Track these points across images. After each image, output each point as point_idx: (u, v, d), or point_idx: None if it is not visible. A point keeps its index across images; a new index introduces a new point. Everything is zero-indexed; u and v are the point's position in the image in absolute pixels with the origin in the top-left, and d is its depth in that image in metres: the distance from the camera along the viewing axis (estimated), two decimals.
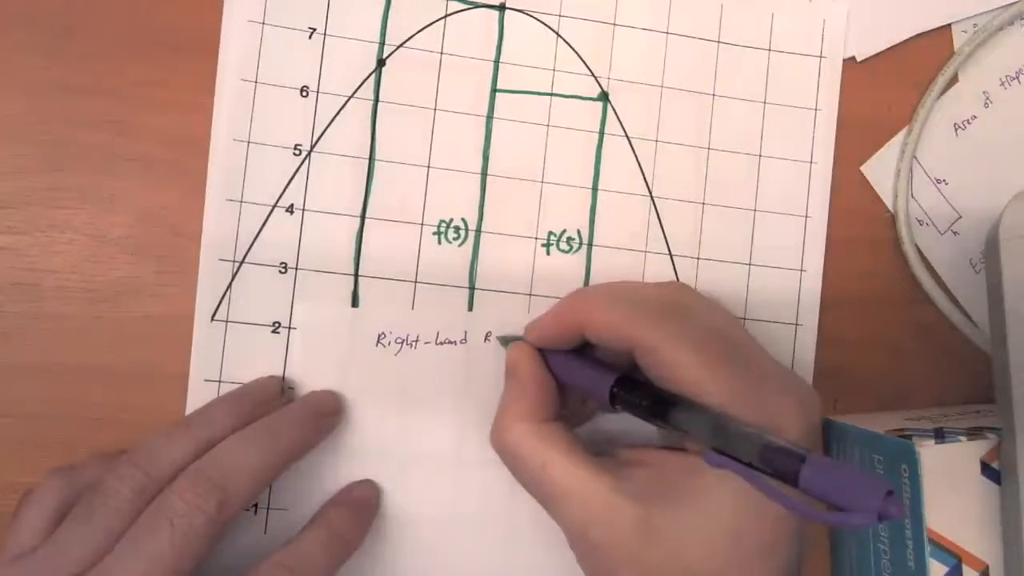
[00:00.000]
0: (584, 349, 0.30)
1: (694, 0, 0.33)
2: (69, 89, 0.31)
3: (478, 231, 0.32)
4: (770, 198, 0.33)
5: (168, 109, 0.31)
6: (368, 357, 0.31)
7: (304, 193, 0.31)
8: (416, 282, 0.32)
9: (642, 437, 0.32)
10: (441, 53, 0.32)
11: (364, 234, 0.32)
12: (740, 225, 0.33)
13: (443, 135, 0.32)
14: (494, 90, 0.32)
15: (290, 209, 0.31)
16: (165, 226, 0.31)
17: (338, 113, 0.32)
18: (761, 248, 0.33)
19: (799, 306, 0.33)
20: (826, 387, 0.32)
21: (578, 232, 0.33)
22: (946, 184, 0.34)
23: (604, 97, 0.33)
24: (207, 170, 0.31)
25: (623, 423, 0.32)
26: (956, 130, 0.34)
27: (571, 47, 0.33)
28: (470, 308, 0.32)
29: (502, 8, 0.32)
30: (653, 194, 0.33)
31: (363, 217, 0.32)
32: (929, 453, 0.25)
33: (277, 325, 0.31)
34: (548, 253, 0.33)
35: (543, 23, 0.33)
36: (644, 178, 0.33)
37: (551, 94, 0.33)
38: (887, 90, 0.34)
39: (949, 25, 0.34)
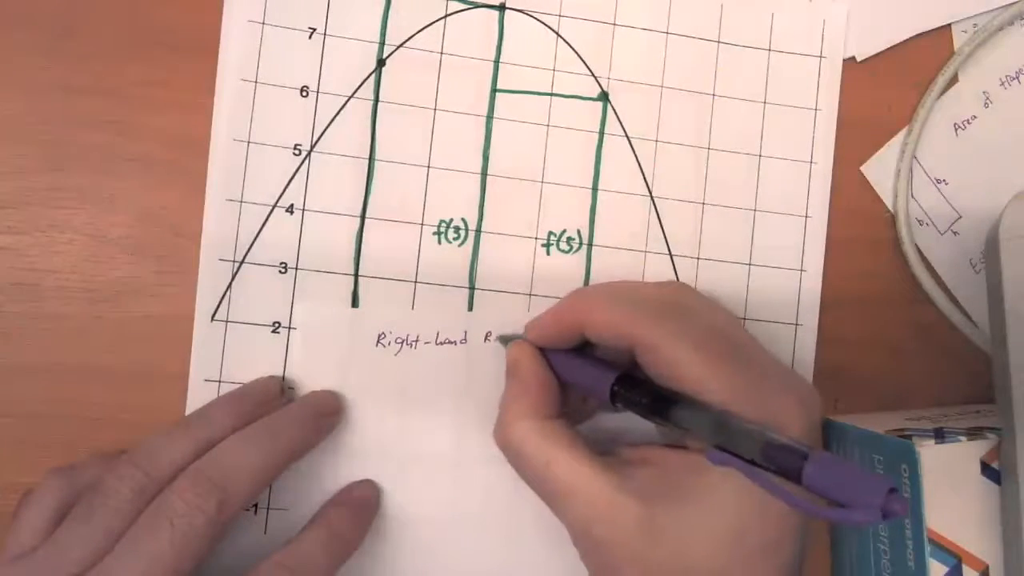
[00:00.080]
0: (584, 348, 0.30)
1: (694, 0, 0.33)
2: (69, 89, 0.31)
3: (478, 231, 0.32)
4: (770, 198, 0.33)
5: (168, 109, 0.31)
6: (368, 357, 0.31)
7: (304, 193, 0.31)
8: (416, 282, 0.32)
9: (643, 436, 0.32)
10: (441, 53, 0.32)
11: (364, 234, 0.32)
12: (740, 225, 0.33)
13: (443, 135, 0.32)
14: (494, 90, 0.32)
15: (290, 209, 0.31)
16: (165, 226, 0.31)
17: (338, 113, 0.32)
18: (761, 248, 0.33)
19: (799, 306, 0.33)
20: (826, 387, 0.32)
21: (578, 232, 0.33)
22: (946, 184, 0.34)
23: (604, 97, 0.33)
24: (207, 170, 0.31)
25: (624, 421, 0.32)
26: (956, 130, 0.34)
27: (571, 47, 0.33)
28: (470, 308, 0.32)
29: (502, 8, 0.32)
30: (653, 194, 0.33)
31: (363, 217, 0.32)
32: (929, 453, 0.25)
33: (277, 325, 0.31)
34: (548, 253, 0.33)
35: (543, 23, 0.33)
36: (644, 178, 0.33)
37: (551, 94, 0.33)
38: (887, 90, 0.34)
39: (949, 25, 0.34)
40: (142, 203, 0.31)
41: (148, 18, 0.31)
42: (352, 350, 0.31)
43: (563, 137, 0.33)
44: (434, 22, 0.32)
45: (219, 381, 0.31)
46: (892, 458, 0.27)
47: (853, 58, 0.34)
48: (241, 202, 0.31)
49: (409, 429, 0.32)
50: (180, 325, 0.31)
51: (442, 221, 0.32)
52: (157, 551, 0.24)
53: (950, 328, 0.34)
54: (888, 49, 0.34)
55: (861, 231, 0.34)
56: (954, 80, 0.34)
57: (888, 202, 0.34)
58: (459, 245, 0.32)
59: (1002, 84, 0.34)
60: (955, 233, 0.34)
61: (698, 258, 0.33)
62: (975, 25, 0.34)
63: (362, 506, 0.31)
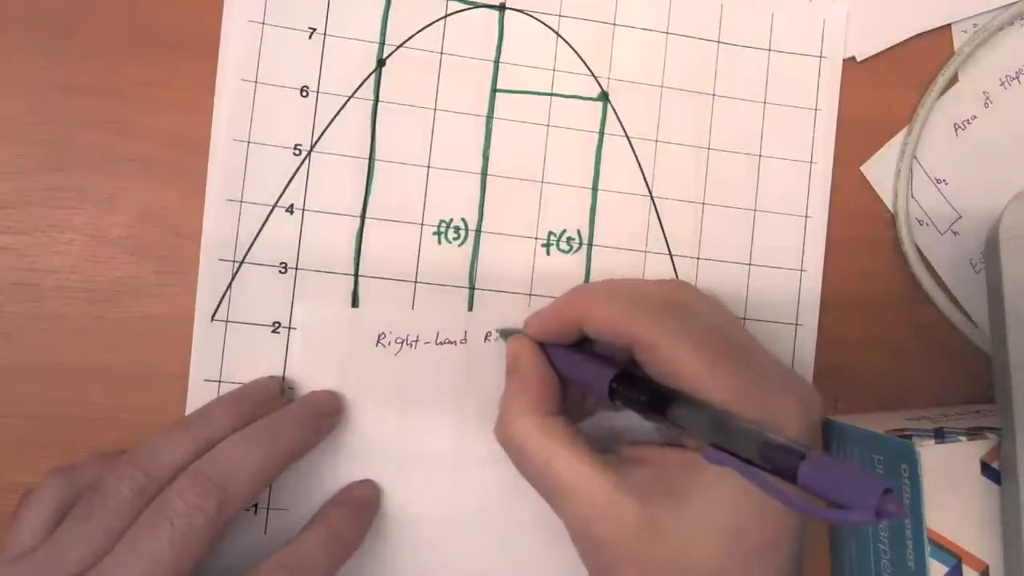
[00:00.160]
0: (584, 344, 0.30)
1: (694, 0, 0.33)
2: (69, 89, 0.31)
3: (478, 231, 0.32)
4: (770, 198, 0.33)
5: (168, 109, 0.31)
6: (368, 357, 0.31)
7: (304, 193, 0.31)
8: (416, 282, 0.32)
9: (643, 434, 0.32)
10: (441, 53, 0.32)
11: (364, 234, 0.32)
12: (740, 225, 0.33)
13: (443, 135, 0.32)
14: (494, 90, 0.32)
15: (290, 209, 0.31)
16: (165, 226, 0.31)
17: (338, 113, 0.32)
18: (761, 248, 0.33)
19: (799, 306, 0.33)
20: (826, 387, 0.31)
21: (578, 232, 0.33)
22: (946, 184, 0.34)
23: (604, 97, 0.33)
24: (207, 170, 0.31)
25: (623, 420, 0.32)
26: (956, 130, 0.34)
27: (571, 47, 0.33)
28: (470, 308, 0.32)
29: (502, 8, 0.32)
30: (653, 194, 0.33)
31: (363, 217, 0.32)
32: (929, 453, 0.25)
33: (277, 325, 0.31)
34: (548, 253, 0.33)
35: (543, 23, 0.33)
36: (644, 178, 0.33)
37: (551, 94, 0.33)
38: (887, 90, 0.34)
39: (949, 25, 0.34)
40: (142, 203, 0.31)
41: (148, 18, 0.31)
42: (352, 350, 0.31)
43: (563, 137, 0.33)
44: (434, 22, 0.32)
45: (219, 381, 0.31)
46: (892, 458, 0.27)
47: (853, 58, 0.34)
48: (241, 202, 0.31)
49: (409, 429, 0.32)
50: (180, 325, 0.31)
51: (442, 221, 0.32)
52: (157, 551, 0.24)
53: (950, 328, 0.34)
54: (888, 49, 0.34)
55: (861, 231, 0.34)
56: (954, 80, 0.34)
57: (888, 202, 0.34)
58: (459, 245, 0.32)
59: (1002, 84, 0.34)
60: (955, 233, 0.34)
61: (698, 258, 0.33)
62: (975, 25, 0.34)
63: (362, 506, 0.31)
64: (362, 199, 0.32)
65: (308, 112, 0.31)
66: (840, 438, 0.30)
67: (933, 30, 0.34)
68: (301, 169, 0.31)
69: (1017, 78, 0.34)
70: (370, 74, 0.32)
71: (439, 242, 0.32)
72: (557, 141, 0.33)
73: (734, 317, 0.32)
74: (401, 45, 0.32)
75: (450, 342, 0.32)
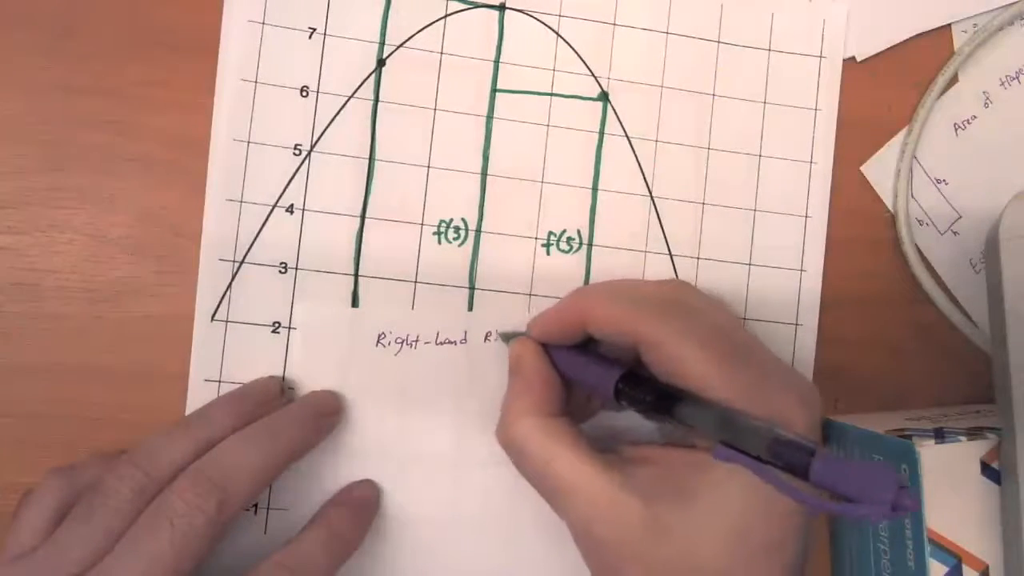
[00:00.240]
0: (587, 345, 0.30)
1: (694, 0, 0.33)
2: (69, 89, 0.31)
3: (478, 231, 0.32)
4: (770, 198, 0.33)
5: (168, 109, 0.31)
6: (368, 357, 0.31)
7: (304, 193, 0.31)
8: (416, 282, 0.32)
9: (644, 434, 0.32)
10: (441, 53, 0.32)
11: (364, 234, 0.32)
12: (740, 225, 0.33)
13: (443, 135, 0.32)
14: (494, 90, 0.32)
15: (290, 209, 0.31)
16: (165, 226, 0.31)
17: (338, 113, 0.32)
18: (761, 248, 0.33)
19: (799, 306, 0.33)
20: (826, 387, 0.31)
21: (578, 232, 0.33)
22: (946, 184, 0.34)
23: (604, 97, 0.33)
24: (207, 170, 0.31)
25: (627, 420, 0.32)
26: (956, 130, 0.34)
27: (571, 47, 0.33)
28: (470, 308, 0.32)
29: (502, 8, 0.32)
30: (653, 194, 0.33)
31: (363, 217, 0.32)
32: (929, 453, 0.25)
33: (277, 325, 0.31)
34: (548, 253, 0.33)
35: (543, 23, 0.33)
36: (644, 178, 0.33)
37: (551, 94, 0.33)
38: (887, 90, 0.34)
39: (949, 25, 0.34)
40: (142, 203, 0.31)
41: (148, 18, 0.31)
42: (352, 350, 0.31)
43: (563, 137, 0.33)
44: (434, 22, 0.32)
45: (219, 381, 0.31)
46: (892, 458, 0.27)
47: (853, 58, 0.34)
48: (241, 202, 0.31)
49: (409, 429, 0.32)
50: (180, 325, 0.31)
51: (442, 221, 0.32)
52: (157, 551, 0.24)
53: (950, 328, 0.34)
54: (888, 49, 0.34)
55: (861, 231, 0.34)
56: (954, 80, 0.34)
57: (888, 202, 0.34)
58: (459, 245, 0.32)
59: (1002, 84, 0.34)
60: (955, 233, 0.34)
61: (698, 258, 0.33)
62: (975, 25, 0.34)
63: (362, 506, 0.31)
64: (362, 199, 0.32)
65: (308, 112, 0.31)
66: (840, 438, 0.30)
67: (933, 30, 0.34)
68: (301, 169, 0.31)
69: (1017, 78, 0.34)
70: (370, 74, 0.32)
71: (439, 242, 0.32)
72: (557, 141, 0.33)
73: (735, 316, 0.32)
74: (401, 45, 0.32)
75: (450, 342, 0.32)
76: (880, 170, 0.34)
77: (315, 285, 0.31)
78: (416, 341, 0.32)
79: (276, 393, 0.30)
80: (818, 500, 0.22)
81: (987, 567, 0.26)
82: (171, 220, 0.31)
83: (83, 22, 0.31)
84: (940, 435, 0.26)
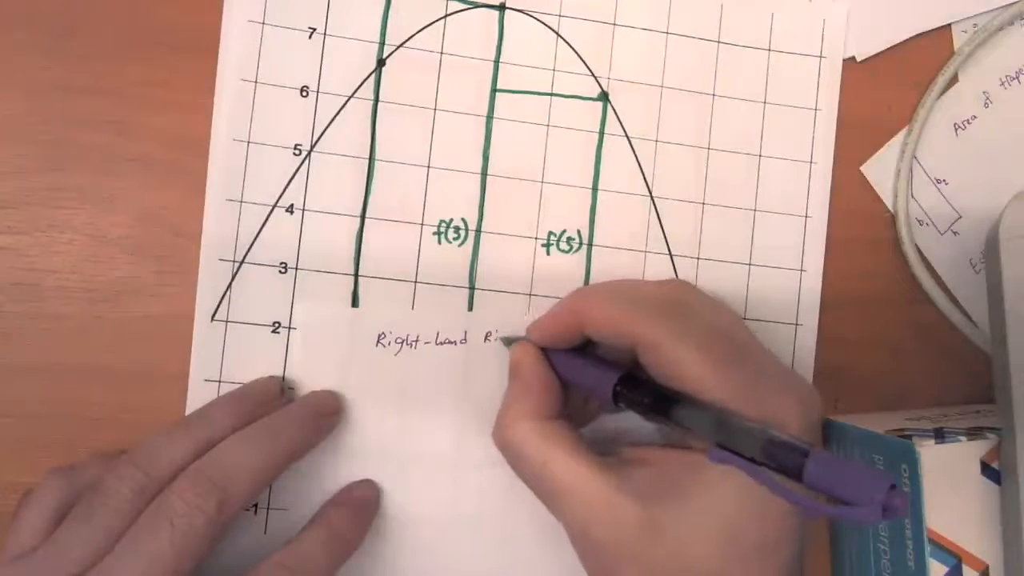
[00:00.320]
0: (587, 348, 0.30)
1: (694, 0, 0.33)
2: (69, 89, 0.31)
3: (478, 231, 0.32)
4: (770, 198, 0.33)
5: (168, 109, 0.31)
6: (368, 357, 0.31)
7: (304, 193, 0.31)
8: (416, 282, 0.32)
9: (644, 436, 0.32)
10: (441, 53, 0.32)
11: (364, 234, 0.32)
12: (740, 225, 0.33)
13: (443, 135, 0.32)
14: (494, 90, 0.32)
15: (290, 209, 0.31)
16: (165, 226, 0.31)
17: (338, 113, 0.32)
18: (761, 248, 0.33)
19: (799, 306, 0.33)
20: (826, 387, 0.31)
21: (578, 232, 0.33)
22: (946, 184, 0.34)
23: (604, 97, 0.33)
24: (207, 170, 0.31)
25: (625, 422, 0.32)
26: (956, 130, 0.34)
27: (571, 47, 0.33)
28: (470, 308, 0.32)
29: (502, 8, 0.32)
30: (653, 194, 0.33)
31: (363, 217, 0.32)
32: (929, 453, 0.25)
33: (277, 325, 0.31)
34: (548, 253, 0.33)
35: (543, 23, 0.33)
36: (644, 178, 0.33)
37: (551, 94, 0.33)
38: (887, 90, 0.34)
39: (949, 25, 0.34)
40: (142, 203, 0.31)
41: (148, 18, 0.31)
42: (352, 350, 0.31)
43: (563, 137, 0.33)
44: (434, 22, 0.32)
45: (219, 381, 0.31)
46: (892, 458, 0.27)
47: (853, 58, 0.34)
48: (241, 202, 0.31)
49: (409, 429, 0.32)
50: (180, 325, 0.31)
51: (442, 221, 0.32)
52: (157, 551, 0.24)
53: (950, 328, 0.34)
54: (888, 49, 0.34)
55: (861, 231, 0.34)
56: (954, 80, 0.34)
57: (888, 202, 0.34)
58: (459, 245, 0.32)
59: (1002, 84, 0.34)
60: (955, 233, 0.34)
61: (698, 258, 0.33)
62: (975, 25, 0.34)
63: (362, 506, 0.31)
64: (362, 199, 0.32)
65: (308, 112, 0.31)
66: (840, 438, 0.30)
67: (933, 30, 0.34)
68: (301, 169, 0.31)
69: (1017, 78, 0.34)
70: (370, 74, 0.32)
71: (439, 242, 0.32)
72: (557, 141, 0.33)
73: (736, 316, 0.32)
74: (401, 45, 0.32)
75: (450, 342, 0.32)
76: (880, 170, 0.34)
77: (315, 285, 0.31)
78: (416, 341, 0.32)
79: (276, 393, 0.30)
80: (812, 502, 0.22)
81: (987, 567, 0.26)
82: (171, 220, 0.31)
83: (83, 22, 0.31)
84: (940, 435, 0.26)
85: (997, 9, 0.34)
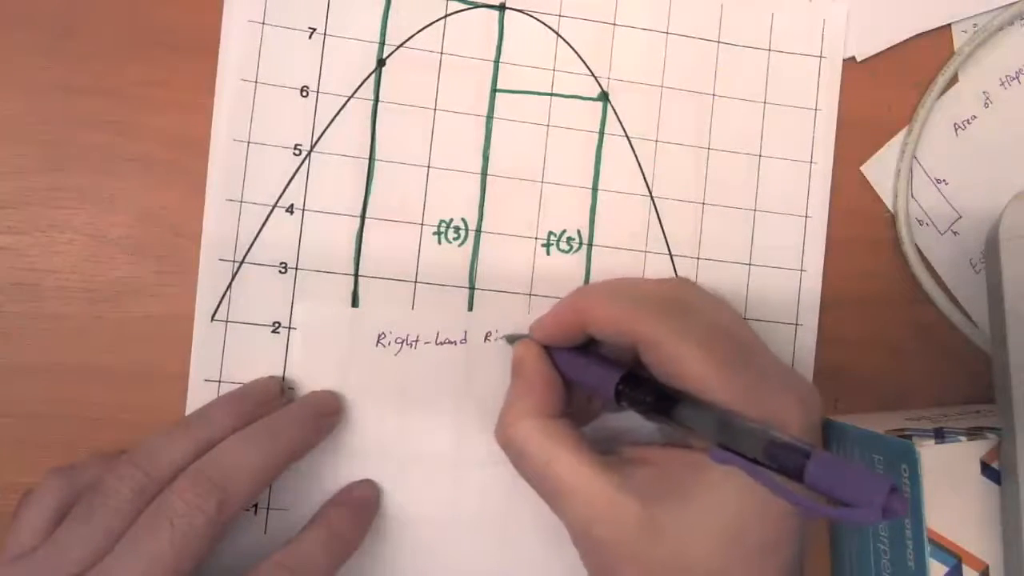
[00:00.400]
0: (589, 347, 0.30)
1: (694, 0, 0.33)
2: (69, 89, 0.31)
3: (478, 231, 0.32)
4: (770, 198, 0.33)
5: (168, 109, 0.31)
6: (368, 357, 0.31)
7: (304, 193, 0.31)
8: (416, 282, 0.32)
9: (645, 435, 0.32)
10: (441, 53, 0.32)
11: (364, 234, 0.32)
12: (740, 225, 0.33)
13: (443, 135, 0.32)
14: (494, 90, 0.32)
15: (290, 209, 0.31)
16: (165, 226, 0.31)
17: (338, 113, 0.32)
18: (761, 248, 0.33)
19: (799, 306, 0.33)
20: (826, 387, 0.31)
21: (578, 232, 0.33)
22: (946, 184, 0.34)
23: (604, 97, 0.33)
24: (207, 170, 0.31)
25: (627, 421, 0.32)
26: (956, 130, 0.34)
27: (571, 47, 0.33)
28: (470, 308, 0.32)
29: (502, 8, 0.32)
30: (653, 194, 0.33)
31: (363, 217, 0.32)
32: (929, 453, 0.25)
33: (277, 325, 0.31)
34: (548, 253, 0.33)
35: (543, 23, 0.33)
36: (644, 178, 0.33)
37: (551, 94, 0.33)
38: (887, 90, 0.34)
39: (949, 25, 0.34)
40: (142, 203, 0.31)
41: (148, 18, 0.31)
42: (352, 350, 0.31)
43: (563, 137, 0.33)
44: (434, 22, 0.32)
45: (219, 381, 0.31)
46: (892, 458, 0.27)
47: (853, 58, 0.34)
48: (241, 202, 0.31)
49: (409, 429, 0.32)
50: (180, 325, 0.31)
51: (442, 221, 0.32)
52: (157, 551, 0.24)
53: (950, 328, 0.34)
54: (888, 49, 0.34)
55: (861, 231, 0.34)
56: (954, 80, 0.34)
57: (888, 202, 0.34)
58: (459, 245, 0.32)
59: (1002, 84, 0.34)
60: (955, 233, 0.34)
61: (698, 258, 0.33)
62: (975, 25, 0.34)
63: (362, 506, 0.31)
64: (362, 199, 0.32)
65: (308, 112, 0.31)
66: (840, 438, 0.30)
67: (933, 30, 0.34)
68: (301, 169, 0.31)
69: (1017, 78, 0.34)
70: (370, 74, 0.32)
71: (439, 242, 0.32)
72: (557, 141, 0.33)
73: (737, 314, 0.32)
74: (401, 45, 0.32)
75: (450, 342, 0.32)
76: (880, 170, 0.34)
77: (315, 285, 0.31)
78: (416, 341, 0.32)
79: (276, 393, 0.30)
80: (812, 503, 0.22)
81: (987, 567, 0.26)
82: (171, 220, 0.31)
83: (83, 22, 0.31)
84: (940, 435, 0.26)
85: (997, 9, 0.34)
